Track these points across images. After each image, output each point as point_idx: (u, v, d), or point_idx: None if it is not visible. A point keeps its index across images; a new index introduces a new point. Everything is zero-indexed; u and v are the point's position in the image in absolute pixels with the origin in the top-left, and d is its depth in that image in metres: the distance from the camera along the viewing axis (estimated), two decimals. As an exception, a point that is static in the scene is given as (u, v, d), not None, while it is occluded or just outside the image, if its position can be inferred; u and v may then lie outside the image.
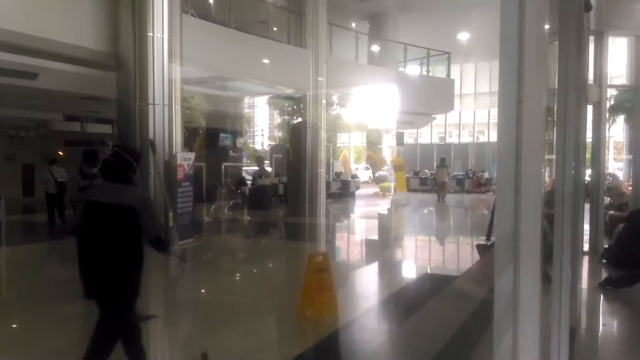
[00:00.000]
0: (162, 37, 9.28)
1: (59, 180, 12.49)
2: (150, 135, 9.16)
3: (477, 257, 8.67)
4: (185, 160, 9.67)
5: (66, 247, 8.10)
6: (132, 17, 9.23)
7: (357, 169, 34.09)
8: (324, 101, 17.50)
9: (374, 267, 8.42)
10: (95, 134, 19.05)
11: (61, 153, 18.47)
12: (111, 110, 10.75)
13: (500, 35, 1.33)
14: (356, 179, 23.81)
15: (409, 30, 19.71)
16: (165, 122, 9.34)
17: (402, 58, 20.90)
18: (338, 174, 23.47)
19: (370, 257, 9.08)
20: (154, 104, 9.19)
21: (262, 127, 70.30)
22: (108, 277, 3.08)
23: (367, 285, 7.08)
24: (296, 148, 15.15)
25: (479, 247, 7.90)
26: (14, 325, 5.17)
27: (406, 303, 6.08)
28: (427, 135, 34.80)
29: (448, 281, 7.16)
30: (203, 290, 6.93)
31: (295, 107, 29.68)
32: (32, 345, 4.43)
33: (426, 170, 28.10)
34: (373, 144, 38.37)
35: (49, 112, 17.86)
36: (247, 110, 35.17)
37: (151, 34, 9.18)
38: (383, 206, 18.05)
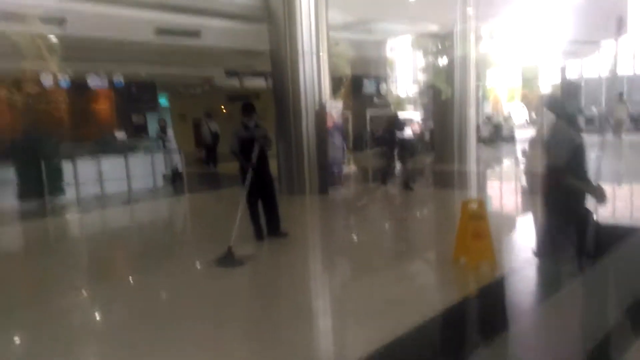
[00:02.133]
0: (309, -17, 9.33)
1: (214, 131, 13.92)
2: (302, 85, 9.43)
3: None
4: (333, 108, 9.86)
5: (231, 195, 8.98)
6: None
7: (510, 110, 31.55)
8: (472, 36, 16.22)
9: (531, 217, 7.85)
10: (252, 88, 20.32)
11: (222, 107, 20.05)
12: (266, 63, 11.33)
13: None
14: (509, 121, 22.13)
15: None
16: (314, 71, 9.53)
17: (566, -22, 18.31)
18: (489, 117, 22.04)
19: (528, 207, 8.45)
20: (302, 53, 9.40)
21: (405, 71, 68.34)
22: None
23: (525, 236, 6.65)
24: (446, 90, 14.46)
25: None
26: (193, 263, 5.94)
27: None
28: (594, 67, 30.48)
29: (622, 233, 6.38)
30: (360, 236, 7.19)
31: (440, 45, 28.08)
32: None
33: (592, 108, 24.89)
34: (529, 80, 34.92)
35: (211, 69, 19.44)
36: (389, 54, 34.22)
37: (298, -19, 9.29)
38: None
